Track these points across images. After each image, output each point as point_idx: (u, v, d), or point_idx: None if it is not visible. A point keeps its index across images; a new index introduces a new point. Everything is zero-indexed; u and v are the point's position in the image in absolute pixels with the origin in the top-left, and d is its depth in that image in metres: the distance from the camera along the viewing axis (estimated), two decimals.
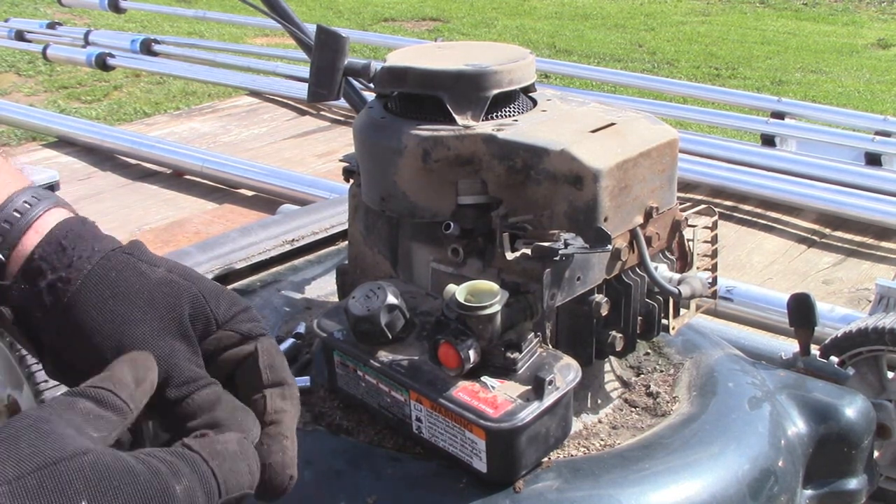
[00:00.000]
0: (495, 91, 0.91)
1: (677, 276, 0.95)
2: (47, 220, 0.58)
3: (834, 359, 1.43)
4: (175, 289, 0.59)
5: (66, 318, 0.56)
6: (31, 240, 0.57)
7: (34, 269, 0.56)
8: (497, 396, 0.80)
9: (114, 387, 0.50)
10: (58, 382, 0.64)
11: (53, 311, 0.56)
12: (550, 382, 0.80)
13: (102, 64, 4.88)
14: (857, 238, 2.94)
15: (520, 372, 0.82)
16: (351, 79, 0.98)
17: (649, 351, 1.09)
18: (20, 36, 5.58)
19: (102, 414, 0.49)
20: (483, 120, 0.90)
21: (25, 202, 0.57)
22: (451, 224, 0.89)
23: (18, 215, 0.56)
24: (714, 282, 1.02)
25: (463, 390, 0.80)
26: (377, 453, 0.88)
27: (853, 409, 1.02)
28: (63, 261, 0.57)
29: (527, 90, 0.98)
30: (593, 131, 0.89)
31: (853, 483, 1.03)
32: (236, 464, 0.51)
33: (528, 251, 0.82)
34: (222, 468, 0.50)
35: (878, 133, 3.42)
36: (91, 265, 0.57)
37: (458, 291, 0.80)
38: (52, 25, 5.68)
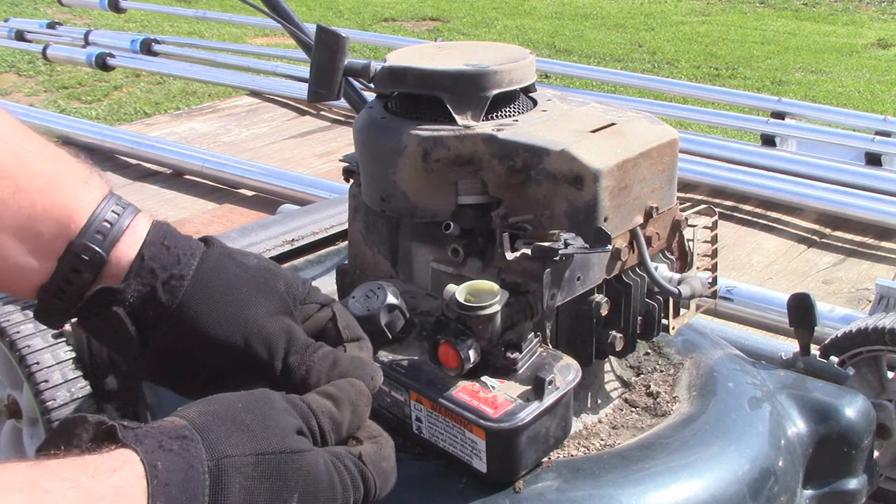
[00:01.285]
0: (495, 91, 0.91)
1: (677, 276, 0.95)
2: (138, 226, 0.62)
3: (834, 359, 1.43)
4: (270, 273, 0.65)
5: (182, 314, 0.60)
6: (128, 246, 0.60)
7: (146, 270, 0.60)
8: (497, 396, 0.80)
9: (335, 429, 0.58)
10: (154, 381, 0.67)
11: (167, 309, 0.60)
12: (550, 382, 0.80)
13: (102, 64, 4.87)
14: (857, 238, 2.93)
15: (520, 372, 0.82)
16: (351, 79, 0.98)
17: (649, 351, 1.09)
18: (20, 36, 5.58)
19: (318, 441, 0.57)
20: (483, 120, 0.90)
21: (113, 211, 0.60)
22: (451, 224, 0.89)
23: (109, 225, 0.60)
24: (714, 282, 1.02)
25: (463, 390, 0.80)
26: None
27: (853, 409, 1.02)
28: (171, 260, 0.61)
29: (527, 90, 0.98)
30: (593, 131, 0.89)
31: (853, 483, 1.03)
32: (389, 478, 0.60)
33: (528, 251, 0.82)
34: (383, 483, 0.59)
35: (878, 133, 3.42)
36: (196, 261, 0.62)
37: (458, 291, 0.80)
38: (52, 25, 5.68)
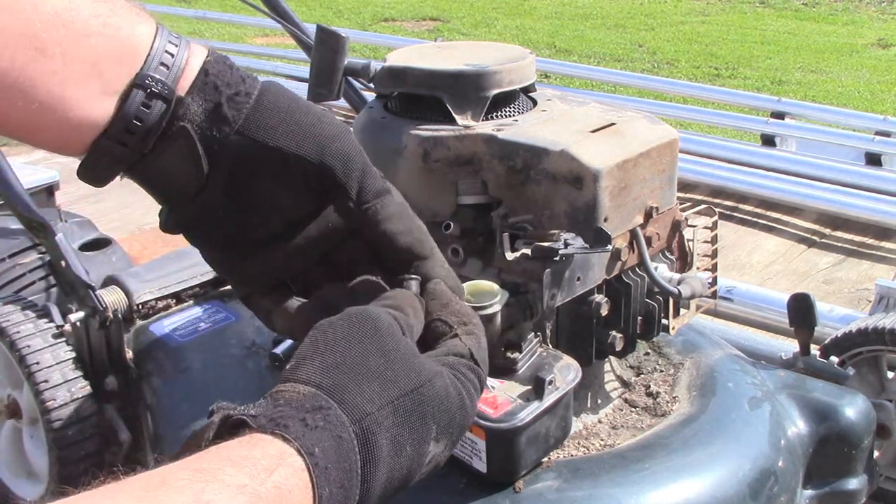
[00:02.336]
0: (495, 91, 0.91)
1: (677, 276, 0.95)
2: (196, 54, 0.58)
3: (834, 359, 1.43)
4: (325, 112, 0.61)
5: (250, 129, 0.57)
6: (193, 63, 0.57)
7: (210, 85, 0.57)
8: (497, 396, 0.80)
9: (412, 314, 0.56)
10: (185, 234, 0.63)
11: (233, 124, 0.56)
12: (550, 382, 0.80)
13: None
14: (857, 238, 2.93)
15: (520, 372, 0.82)
16: (351, 79, 0.98)
17: (649, 351, 1.09)
18: None
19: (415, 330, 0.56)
20: (483, 120, 0.90)
21: (171, 42, 0.57)
22: (451, 224, 0.89)
23: (171, 56, 0.56)
24: (714, 282, 1.02)
25: None
26: None
27: (853, 409, 1.02)
28: (235, 77, 0.58)
29: (527, 90, 0.98)
30: (593, 131, 0.89)
31: (853, 483, 1.03)
32: (488, 365, 0.59)
33: (528, 251, 0.82)
34: (483, 372, 0.58)
35: (878, 133, 3.42)
36: (260, 84, 0.58)
37: None
38: None
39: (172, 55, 0.56)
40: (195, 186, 0.58)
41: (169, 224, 0.61)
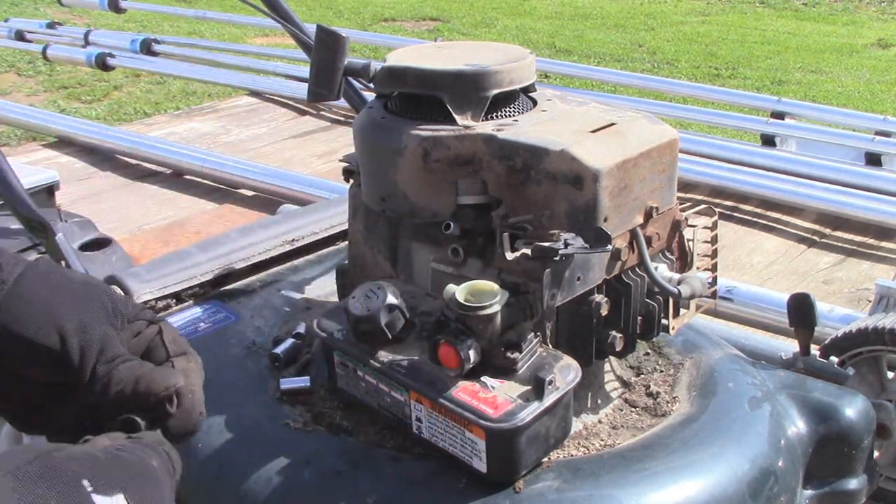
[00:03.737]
0: (495, 91, 0.91)
1: (677, 276, 0.95)
2: None
3: (834, 359, 1.43)
4: (97, 287, 0.66)
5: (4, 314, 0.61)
6: None
7: None
8: (497, 396, 0.80)
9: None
10: None
11: None
12: (550, 382, 0.80)
13: (102, 64, 4.87)
14: (857, 238, 2.94)
15: (520, 372, 0.82)
16: (351, 79, 0.98)
17: (649, 351, 1.09)
18: (20, 36, 5.58)
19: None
20: (483, 120, 0.90)
21: None
22: (451, 224, 0.89)
23: None
24: (714, 282, 1.02)
25: (463, 390, 0.80)
26: (377, 453, 0.88)
27: (853, 409, 1.02)
28: None
29: (527, 90, 0.98)
30: (593, 131, 0.89)
31: (853, 483, 1.03)
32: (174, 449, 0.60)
33: (528, 251, 0.82)
34: (172, 451, 0.59)
35: (878, 133, 3.42)
36: (21, 268, 0.63)
37: (458, 291, 0.80)
38: (52, 25, 5.68)
39: None
40: None
41: None
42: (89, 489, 0.49)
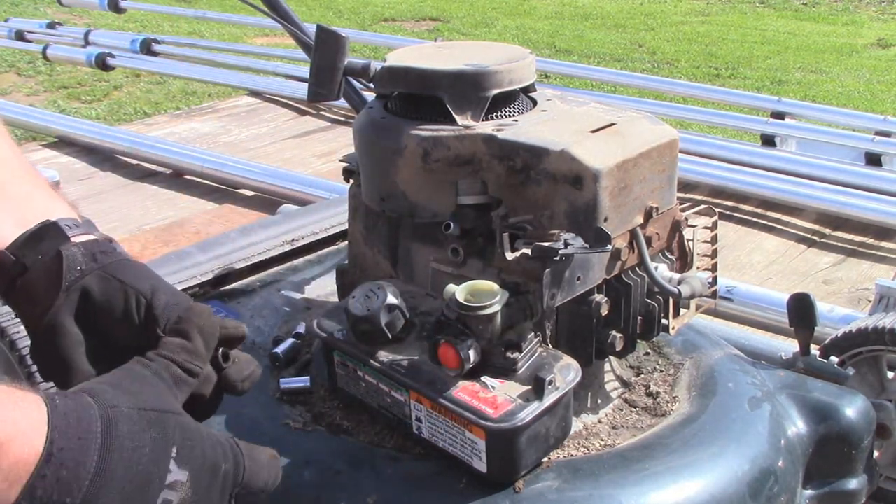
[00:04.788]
0: (495, 91, 0.91)
1: (677, 276, 0.95)
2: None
3: (834, 359, 1.43)
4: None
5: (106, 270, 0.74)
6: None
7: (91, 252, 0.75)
8: (497, 396, 0.80)
9: (193, 358, 0.68)
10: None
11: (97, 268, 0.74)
12: (550, 382, 0.80)
13: (102, 64, 4.87)
14: (857, 238, 2.93)
15: (520, 372, 0.82)
16: (351, 79, 0.98)
17: (649, 351, 1.09)
18: (20, 36, 5.57)
19: (187, 380, 0.67)
20: (483, 120, 0.90)
21: (66, 224, 0.75)
22: (451, 224, 0.89)
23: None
24: (714, 282, 1.02)
25: (463, 390, 0.80)
26: (377, 453, 0.88)
27: (853, 409, 1.02)
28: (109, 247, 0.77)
29: (527, 90, 0.98)
30: (593, 131, 0.89)
31: (853, 483, 1.03)
32: (261, 471, 0.69)
33: (528, 251, 0.82)
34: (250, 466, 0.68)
35: (878, 133, 3.42)
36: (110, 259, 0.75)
37: (458, 291, 0.80)
38: (52, 25, 5.68)
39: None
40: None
41: None
42: (172, 455, 0.60)
